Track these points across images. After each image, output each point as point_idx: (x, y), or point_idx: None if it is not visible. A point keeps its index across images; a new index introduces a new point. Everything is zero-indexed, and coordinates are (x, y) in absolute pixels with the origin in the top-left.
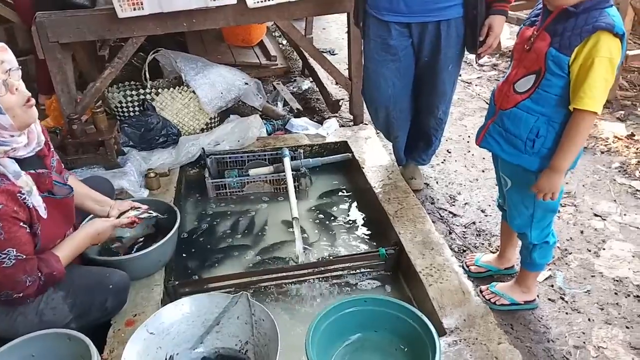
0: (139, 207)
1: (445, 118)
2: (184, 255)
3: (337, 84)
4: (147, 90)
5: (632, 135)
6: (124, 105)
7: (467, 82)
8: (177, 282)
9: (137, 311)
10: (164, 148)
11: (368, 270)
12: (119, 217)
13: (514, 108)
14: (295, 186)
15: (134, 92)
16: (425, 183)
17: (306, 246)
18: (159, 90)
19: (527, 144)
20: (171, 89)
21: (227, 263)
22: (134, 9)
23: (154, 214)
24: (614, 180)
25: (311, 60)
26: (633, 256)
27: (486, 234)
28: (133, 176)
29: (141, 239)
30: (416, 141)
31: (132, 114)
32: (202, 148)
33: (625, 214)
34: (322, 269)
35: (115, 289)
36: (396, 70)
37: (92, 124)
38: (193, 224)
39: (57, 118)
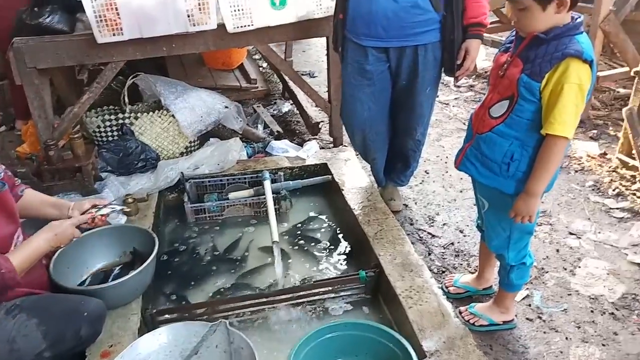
0: (99, 205)
1: (423, 139)
2: (162, 282)
3: (317, 106)
4: (126, 115)
5: (605, 154)
6: (102, 129)
7: (445, 103)
8: (154, 311)
9: (113, 342)
10: (143, 173)
11: (348, 293)
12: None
13: (490, 132)
14: (275, 209)
15: (112, 117)
16: (404, 204)
17: (286, 270)
18: (138, 114)
19: (502, 168)
20: (150, 113)
21: (207, 289)
22: (114, 35)
23: (118, 207)
24: (588, 198)
25: (291, 83)
26: (608, 274)
27: (465, 255)
28: None
29: (118, 267)
30: (395, 163)
31: (110, 138)
32: (181, 172)
33: (599, 232)
34: (303, 293)
35: (90, 317)
36: (371, 94)
37: (69, 150)
38: (172, 250)
39: (33, 144)
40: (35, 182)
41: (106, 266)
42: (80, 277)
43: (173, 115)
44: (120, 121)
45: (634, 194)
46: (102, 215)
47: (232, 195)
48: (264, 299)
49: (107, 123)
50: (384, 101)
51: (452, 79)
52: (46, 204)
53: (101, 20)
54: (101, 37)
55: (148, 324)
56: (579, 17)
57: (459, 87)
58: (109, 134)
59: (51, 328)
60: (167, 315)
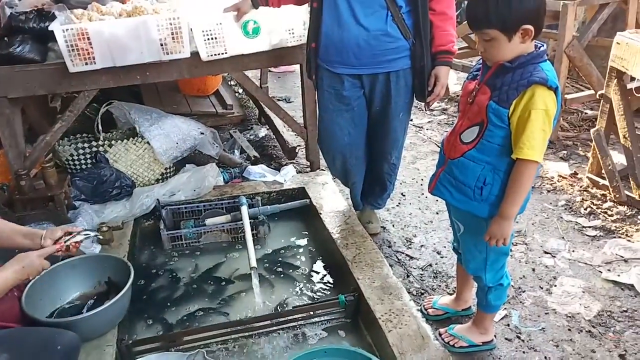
0: (72, 232)
1: (398, 163)
2: (138, 311)
3: (293, 131)
4: (100, 142)
5: (576, 173)
6: (75, 158)
7: (419, 127)
8: (130, 342)
9: None
10: (118, 200)
11: (328, 318)
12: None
13: (462, 157)
14: (253, 234)
15: (86, 145)
16: (381, 226)
17: (265, 296)
18: (113, 142)
19: (475, 192)
20: (125, 140)
21: (184, 318)
22: (86, 64)
23: (92, 233)
24: (561, 217)
25: (267, 109)
26: (583, 292)
27: (443, 276)
28: None
29: (93, 298)
30: (372, 186)
31: (84, 166)
32: (157, 199)
33: (573, 251)
34: (282, 319)
35: (64, 351)
36: (351, 119)
37: (41, 179)
38: (148, 278)
39: (4, 173)
40: (7, 212)
41: (80, 297)
42: (53, 309)
43: (148, 142)
44: (94, 149)
45: (605, 213)
46: (75, 242)
47: (209, 221)
48: (243, 326)
49: (81, 151)
50: (362, 126)
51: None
52: (17, 233)
53: (73, 50)
54: (73, 66)
55: (124, 356)
56: (542, 45)
57: (432, 110)
58: (83, 162)
59: None
60: (143, 346)
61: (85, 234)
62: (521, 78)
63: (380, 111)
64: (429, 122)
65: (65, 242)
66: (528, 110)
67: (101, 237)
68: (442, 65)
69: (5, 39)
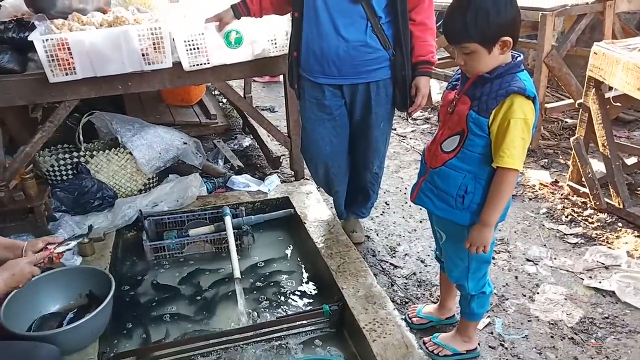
0: (53, 242)
1: (381, 172)
2: (120, 323)
3: (277, 141)
4: (81, 153)
5: (557, 181)
6: (56, 169)
7: (402, 136)
8: (112, 354)
9: None
10: (100, 211)
11: (313, 328)
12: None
13: (443, 167)
14: (237, 244)
15: (67, 155)
16: (366, 235)
17: (249, 307)
18: (94, 152)
19: (457, 200)
20: (107, 150)
21: (167, 329)
22: (66, 74)
23: (72, 243)
24: (543, 225)
25: (251, 118)
26: (565, 299)
27: (427, 284)
28: None
29: (73, 311)
30: (355, 195)
31: (65, 177)
32: (140, 210)
33: (555, 258)
34: (266, 330)
35: None
36: (332, 128)
37: (21, 190)
38: (130, 290)
39: None
40: None
41: (60, 310)
42: (32, 322)
43: (130, 153)
44: (75, 159)
45: (586, 220)
46: (58, 253)
47: (192, 232)
48: (226, 337)
49: (62, 162)
50: (344, 135)
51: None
52: None
53: (53, 60)
54: (53, 76)
55: None
56: (519, 55)
57: (415, 120)
58: (64, 172)
59: None
60: (125, 359)
61: (66, 245)
62: (500, 88)
63: (360, 121)
64: (412, 131)
65: (52, 251)
66: (507, 119)
67: (85, 241)
68: (423, 76)
69: None
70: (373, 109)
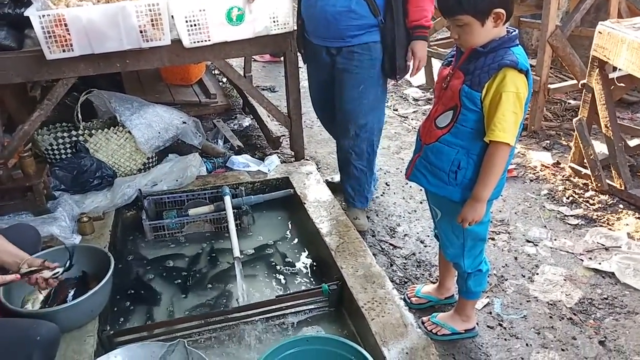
0: (49, 267)
1: (367, 147)
2: (119, 301)
3: (277, 121)
4: (80, 132)
5: (558, 163)
6: (55, 147)
7: (404, 117)
8: (111, 332)
9: None
10: (99, 190)
11: (312, 307)
12: (26, 274)
13: (436, 142)
14: (237, 224)
15: (65, 134)
16: (366, 216)
17: (248, 286)
18: (93, 131)
19: (450, 176)
20: (106, 129)
21: (167, 307)
22: (63, 51)
23: (61, 270)
24: (544, 206)
25: (251, 98)
26: (564, 280)
27: (426, 265)
28: (64, 221)
29: (72, 289)
30: (343, 177)
31: (64, 156)
32: (139, 189)
33: (555, 239)
34: (265, 309)
35: (43, 342)
36: (324, 82)
37: (19, 169)
38: (129, 269)
39: None
40: None
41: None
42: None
43: (129, 132)
44: (74, 138)
45: (587, 202)
46: (44, 278)
47: (192, 211)
48: (225, 316)
49: (60, 140)
50: (330, 90)
51: (409, 92)
52: (4, 251)
53: (50, 37)
54: (50, 53)
55: (105, 346)
56: (514, 30)
57: (416, 100)
58: (62, 151)
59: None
60: (124, 337)
61: (55, 273)
62: (493, 62)
63: (341, 82)
64: (414, 112)
65: (45, 276)
66: (499, 92)
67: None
68: (418, 40)
69: None
70: (354, 70)
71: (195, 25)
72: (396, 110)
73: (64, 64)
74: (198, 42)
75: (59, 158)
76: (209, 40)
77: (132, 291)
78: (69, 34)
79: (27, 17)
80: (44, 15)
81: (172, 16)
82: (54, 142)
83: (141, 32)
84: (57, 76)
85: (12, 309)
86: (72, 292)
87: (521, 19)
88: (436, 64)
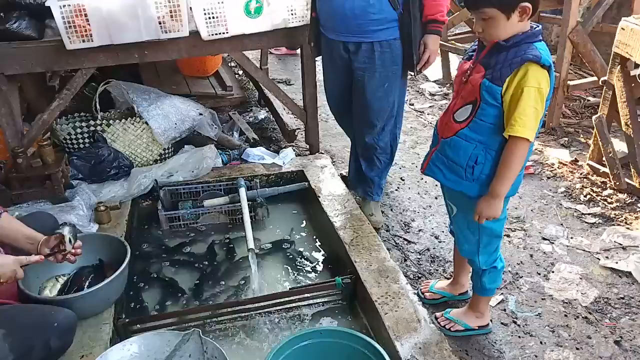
0: (62, 240)
1: (390, 140)
2: (135, 290)
3: (292, 114)
4: (98, 122)
5: (576, 160)
6: (73, 137)
7: (420, 111)
8: (127, 320)
9: (84, 352)
10: (116, 180)
11: (325, 300)
12: (49, 255)
13: (454, 136)
14: (251, 216)
15: (83, 124)
16: (381, 211)
17: (262, 278)
18: (111, 121)
19: (467, 171)
20: (123, 120)
21: (181, 297)
22: (83, 41)
23: (67, 229)
24: (560, 204)
25: (267, 91)
26: (580, 278)
27: (440, 260)
28: (82, 210)
29: (89, 278)
30: (369, 172)
31: (82, 145)
32: (155, 180)
33: (571, 237)
34: (279, 300)
35: (60, 328)
36: (340, 76)
37: (38, 157)
38: (145, 258)
39: (1, 151)
40: (4, 190)
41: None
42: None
43: (146, 122)
44: (92, 128)
45: (605, 200)
46: (65, 252)
47: (207, 202)
48: (239, 307)
49: (79, 130)
50: (347, 84)
51: (425, 87)
52: (20, 234)
53: (70, 27)
54: (70, 43)
55: (120, 334)
56: (538, 26)
57: (433, 95)
58: (80, 141)
59: (19, 340)
60: (139, 325)
61: (69, 232)
62: (515, 56)
63: (362, 80)
64: (430, 107)
65: (61, 251)
66: (521, 87)
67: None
68: (431, 34)
69: (2, 14)
70: (377, 69)
71: (213, 17)
72: (412, 104)
73: (84, 54)
74: (216, 34)
75: (77, 147)
76: (227, 32)
77: (148, 280)
78: (89, 24)
79: (48, 7)
80: (64, 6)
81: (191, 8)
82: (73, 131)
83: (160, 23)
84: (77, 66)
85: (31, 296)
86: (89, 280)
87: (541, 14)
88: (453, 59)
